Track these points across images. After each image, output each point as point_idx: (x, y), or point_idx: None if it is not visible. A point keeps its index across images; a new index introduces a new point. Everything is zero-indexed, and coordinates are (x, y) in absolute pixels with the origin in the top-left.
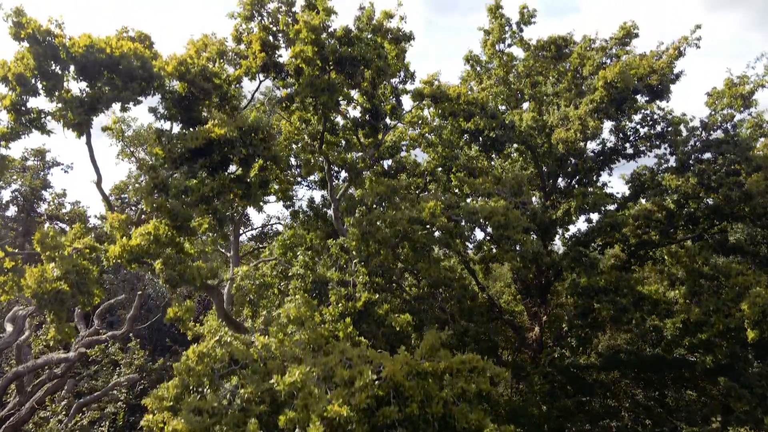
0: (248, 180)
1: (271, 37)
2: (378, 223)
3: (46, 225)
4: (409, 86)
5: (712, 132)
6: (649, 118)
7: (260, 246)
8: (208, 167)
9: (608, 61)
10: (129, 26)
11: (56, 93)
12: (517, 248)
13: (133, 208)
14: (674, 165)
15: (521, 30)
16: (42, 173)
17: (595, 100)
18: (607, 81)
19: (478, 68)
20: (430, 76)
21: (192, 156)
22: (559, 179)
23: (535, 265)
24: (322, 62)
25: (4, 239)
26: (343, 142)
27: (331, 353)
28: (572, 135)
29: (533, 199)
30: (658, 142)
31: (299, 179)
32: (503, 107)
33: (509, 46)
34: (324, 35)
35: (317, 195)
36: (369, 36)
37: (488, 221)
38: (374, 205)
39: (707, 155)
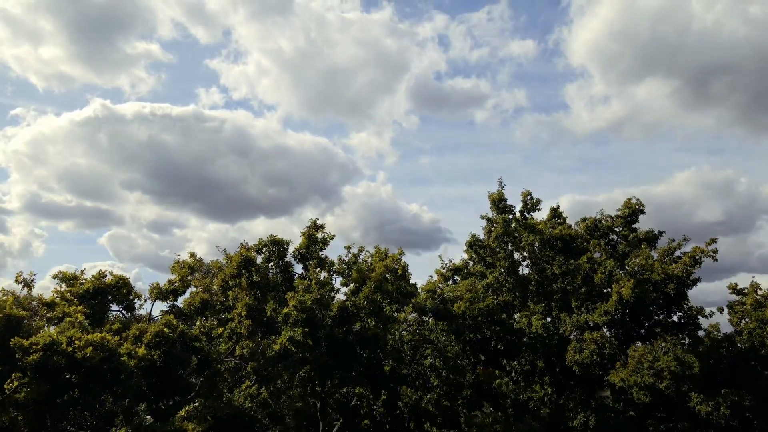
0: None
1: (260, 292)
2: None
3: None
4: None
5: (737, 344)
6: (663, 299)
7: None
8: None
9: (616, 237)
10: (108, 269)
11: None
12: None
13: None
14: (698, 374)
15: (525, 218)
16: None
17: (610, 311)
18: (621, 297)
19: (482, 251)
20: (431, 283)
21: None
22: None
23: None
24: (314, 342)
25: None
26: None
27: None
28: (587, 356)
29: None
30: (675, 330)
31: None
32: (509, 300)
33: (515, 237)
34: (316, 306)
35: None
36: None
37: None
38: None
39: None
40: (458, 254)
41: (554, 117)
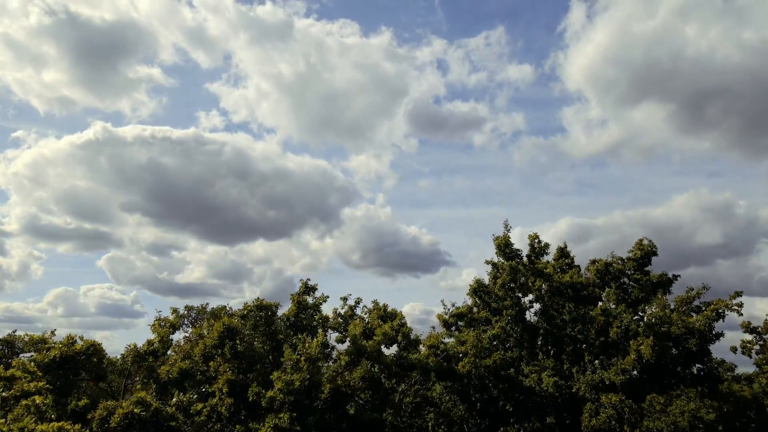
0: None
1: (245, 363)
2: None
3: None
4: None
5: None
6: (684, 356)
7: None
8: None
9: (627, 281)
10: (77, 334)
11: None
12: None
13: None
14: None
15: (533, 263)
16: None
17: (627, 370)
18: (640, 356)
19: (487, 297)
20: (433, 336)
21: None
22: None
23: None
24: (303, 429)
25: None
26: None
27: None
28: (604, 421)
29: None
30: (693, 383)
31: None
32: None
33: (521, 285)
34: (308, 383)
35: None
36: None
37: None
38: None
39: None
40: (458, 277)
41: (552, 140)
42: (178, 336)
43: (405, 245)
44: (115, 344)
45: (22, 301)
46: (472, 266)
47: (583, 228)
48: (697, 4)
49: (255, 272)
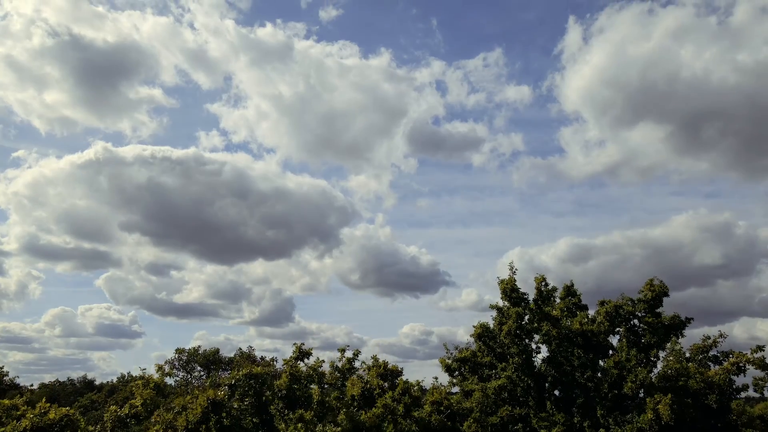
0: None
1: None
2: None
3: None
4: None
5: None
6: (702, 412)
7: None
8: None
9: (638, 322)
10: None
11: None
12: None
13: None
14: None
15: (540, 308)
16: None
17: (644, 429)
18: (659, 416)
19: (491, 342)
20: (437, 393)
21: None
22: None
23: None
24: None
25: None
26: None
27: None
28: None
29: None
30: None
31: None
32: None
33: (528, 333)
34: None
35: None
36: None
37: None
38: None
39: None
40: (457, 297)
41: (550, 161)
42: (170, 382)
43: (404, 265)
44: (112, 365)
45: (19, 321)
46: (471, 286)
47: (582, 248)
48: (691, 26)
49: (254, 292)
